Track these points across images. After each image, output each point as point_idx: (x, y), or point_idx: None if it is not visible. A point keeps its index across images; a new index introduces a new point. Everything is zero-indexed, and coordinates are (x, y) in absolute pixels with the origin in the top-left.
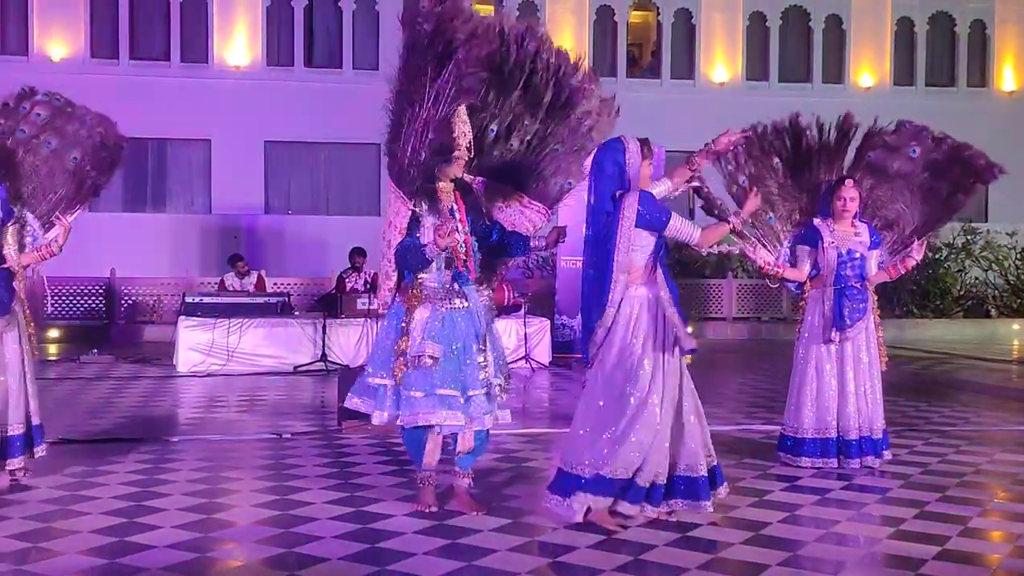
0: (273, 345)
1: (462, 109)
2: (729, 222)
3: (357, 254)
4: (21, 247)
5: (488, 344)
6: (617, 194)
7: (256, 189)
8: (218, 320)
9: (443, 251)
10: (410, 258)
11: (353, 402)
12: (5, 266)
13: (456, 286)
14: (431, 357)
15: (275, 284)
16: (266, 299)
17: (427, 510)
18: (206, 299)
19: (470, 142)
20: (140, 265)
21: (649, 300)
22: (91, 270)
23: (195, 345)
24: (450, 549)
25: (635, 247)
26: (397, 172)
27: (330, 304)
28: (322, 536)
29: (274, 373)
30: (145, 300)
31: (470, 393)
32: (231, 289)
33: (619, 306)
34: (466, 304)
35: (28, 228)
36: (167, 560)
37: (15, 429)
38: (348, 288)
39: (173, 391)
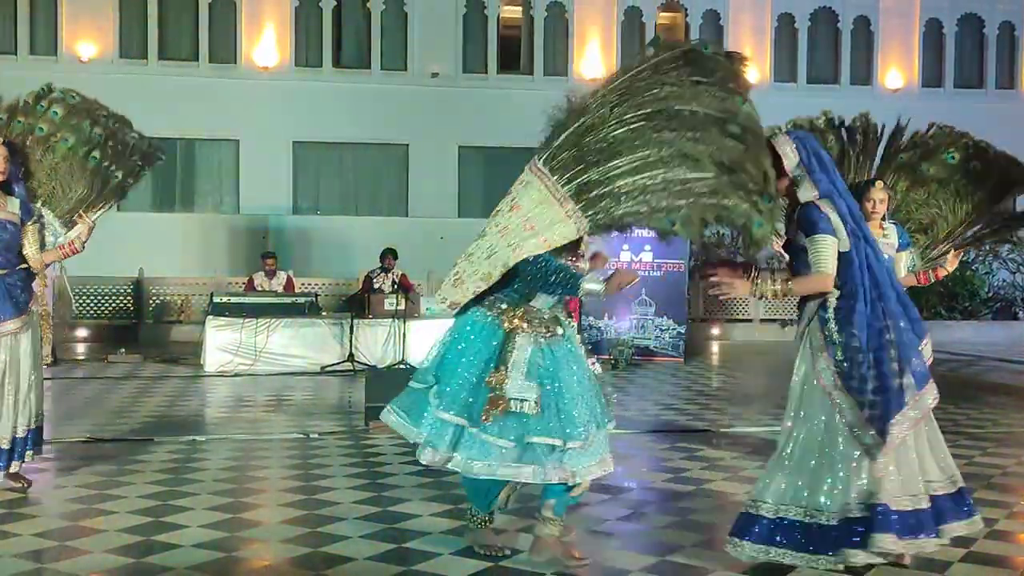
0: (300, 345)
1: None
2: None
3: (389, 255)
4: (42, 245)
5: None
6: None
7: (284, 189)
8: (246, 320)
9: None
10: (554, 278)
11: (391, 419)
12: (24, 266)
13: (555, 313)
14: (535, 403)
15: (302, 284)
16: (293, 299)
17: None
18: (234, 299)
19: None
20: (168, 265)
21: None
22: (119, 270)
23: (223, 345)
24: (476, 550)
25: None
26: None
27: (358, 304)
28: (348, 536)
29: (301, 373)
30: (173, 300)
31: (588, 434)
32: (260, 288)
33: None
34: (562, 331)
35: (49, 227)
36: (193, 559)
37: (20, 432)
38: (375, 288)
39: (201, 391)
